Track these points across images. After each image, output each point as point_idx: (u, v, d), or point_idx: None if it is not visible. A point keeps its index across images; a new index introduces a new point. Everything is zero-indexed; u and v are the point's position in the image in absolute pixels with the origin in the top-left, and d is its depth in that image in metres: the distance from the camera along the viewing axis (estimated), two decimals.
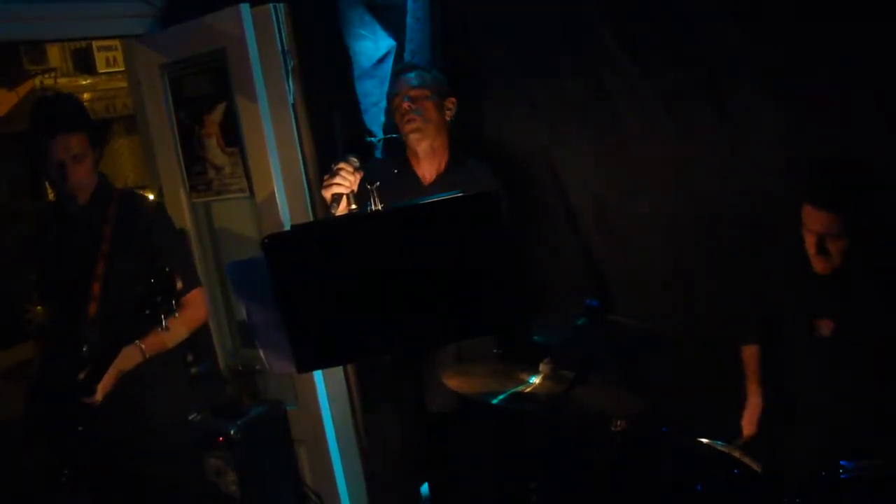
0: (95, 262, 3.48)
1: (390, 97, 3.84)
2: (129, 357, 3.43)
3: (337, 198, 3.37)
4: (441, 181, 3.68)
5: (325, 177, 3.45)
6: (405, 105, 3.65)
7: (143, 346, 3.46)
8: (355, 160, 3.46)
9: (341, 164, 3.42)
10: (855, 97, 3.10)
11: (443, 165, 3.74)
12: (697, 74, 3.43)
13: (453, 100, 3.77)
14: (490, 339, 3.67)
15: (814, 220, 2.94)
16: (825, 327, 3.07)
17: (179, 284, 3.21)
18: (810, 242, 2.99)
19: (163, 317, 3.21)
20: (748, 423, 3.34)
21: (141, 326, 3.32)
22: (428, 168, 3.73)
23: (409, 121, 3.64)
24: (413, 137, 3.66)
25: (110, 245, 3.51)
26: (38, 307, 3.71)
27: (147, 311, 3.18)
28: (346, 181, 3.39)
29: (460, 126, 3.94)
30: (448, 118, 3.76)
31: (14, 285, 4.05)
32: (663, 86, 3.52)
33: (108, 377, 3.35)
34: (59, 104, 3.67)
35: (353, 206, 3.31)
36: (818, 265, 3.01)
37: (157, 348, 3.52)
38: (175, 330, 3.55)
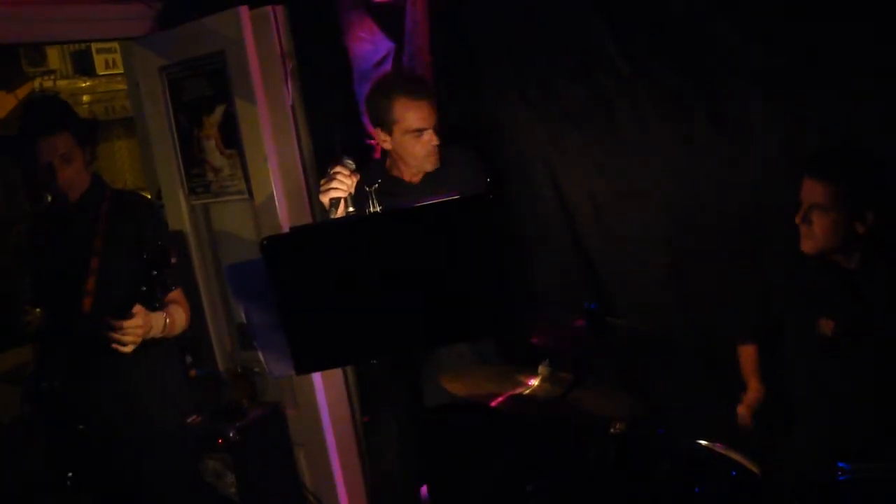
0: (89, 257, 3.49)
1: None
2: (157, 321, 3.43)
3: (335, 202, 3.37)
4: (428, 179, 3.65)
5: (322, 181, 3.45)
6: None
7: (167, 320, 3.47)
8: (351, 163, 3.45)
9: (338, 168, 3.41)
10: (854, 100, 3.11)
11: (430, 165, 3.69)
12: (694, 78, 3.44)
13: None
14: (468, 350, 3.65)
15: (806, 190, 2.95)
16: (826, 327, 3.07)
17: (174, 260, 3.22)
18: (799, 214, 2.99)
19: (159, 293, 3.23)
20: (744, 408, 3.31)
21: (139, 302, 3.32)
22: (409, 172, 3.69)
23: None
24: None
25: (104, 241, 3.53)
26: (37, 309, 3.72)
27: (143, 288, 3.19)
28: (343, 184, 3.39)
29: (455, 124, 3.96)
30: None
31: (11, 288, 4.05)
32: (660, 89, 3.52)
33: (146, 319, 3.35)
34: (43, 106, 3.71)
35: (351, 209, 3.31)
36: (803, 241, 3.01)
37: (172, 329, 3.53)
38: (180, 316, 3.58)
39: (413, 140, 3.53)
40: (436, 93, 3.57)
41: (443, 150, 3.66)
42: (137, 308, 3.30)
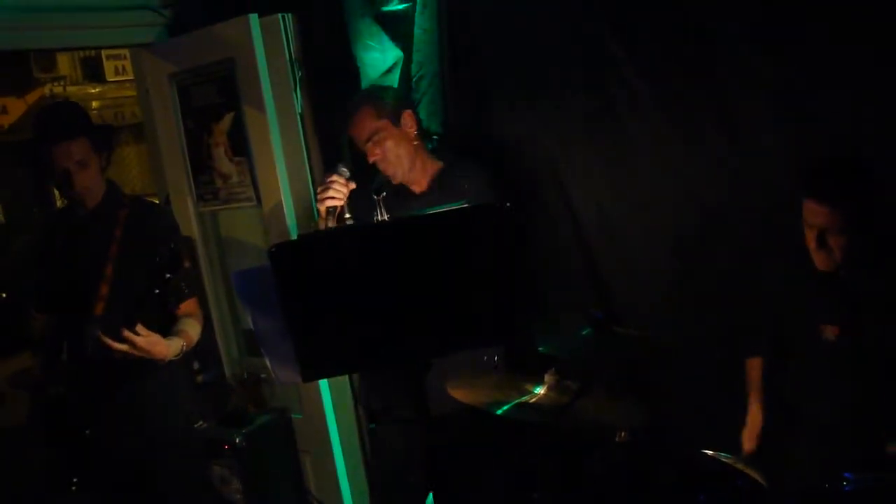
0: (104, 264, 3.51)
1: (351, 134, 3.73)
2: (173, 348, 3.44)
3: (332, 210, 3.39)
4: (434, 188, 3.66)
5: (319, 189, 3.47)
6: (370, 157, 3.60)
7: (184, 345, 3.48)
8: (346, 171, 3.48)
9: (333, 177, 3.43)
10: (861, 110, 3.11)
11: (433, 173, 3.71)
12: (703, 87, 3.44)
13: (409, 113, 3.66)
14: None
15: (815, 215, 2.94)
16: (830, 332, 3.07)
17: (187, 263, 3.24)
18: (811, 237, 2.98)
19: (172, 297, 3.25)
20: (748, 439, 3.32)
21: (151, 307, 3.33)
22: (416, 181, 3.71)
23: (383, 169, 3.60)
24: (392, 177, 3.64)
25: (119, 247, 3.53)
26: (42, 313, 3.74)
27: (157, 291, 3.20)
28: (339, 193, 3.41)
29: (464, 133, 3.98)
30: (413, 132, 3.65)
31: (19, 293, 4.07)
32: (669, 98, 3.52)
33: (150, 341, 3.34)
34: (58, 112, 3.72)
35: (347, 216, 3.32)
36: (819, 260, 3.00)
37: (189, 347, 3.55)
38: (194, 328, 3.60)
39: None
40: (376, 104, 3.63)
41: (450, 161, 3.69)
42: (146, 332, 3.31)
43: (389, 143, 3.57)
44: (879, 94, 3.07)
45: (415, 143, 3.64)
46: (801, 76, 3.21)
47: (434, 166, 3.72)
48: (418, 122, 3.72)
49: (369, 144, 3.57)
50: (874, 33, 3.04)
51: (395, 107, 3.64)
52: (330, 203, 3.39)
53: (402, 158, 3.59)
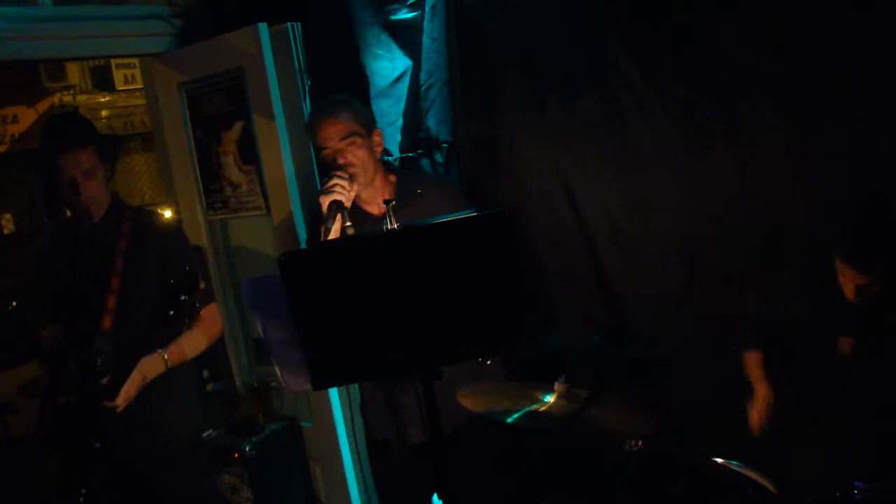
0: (110, 276, 3.51)
1: (315, 138, 3.64)
2: (152, 364, 3.47)
3: (332, 209, 3.38)
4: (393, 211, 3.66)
5: (324, 186, 3.47)
6: (340, 158, 3.54)
7: (165, 356, 3.50)
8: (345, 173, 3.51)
9: (336, 178, 3.44)
10: (868, 117, 3.11)
11: (388, 194, 3.68)
12: (710, 94, 3.44)
13: (379, 132, 3.69)
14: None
15: (846, 275, 3.00)
16: (846, 345, 3.07)
17: (202, 285, 3.25)
18: (849, 289, 3.02)
19: (186, 318, 3.26)
20: (755, 414, 3.32)
21: (164, 327, 3.35)
22: (372, 199, 3.70)
23: (349, 174, 3.55)
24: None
25: (125, 260, 3.54)
26: (51, 324, 3.74)
27: (171, 312, 3.21)
28: (344, 189, 3.41)
29: (474, 143, 3.98)
30: (379, 151, 3.67)
31: (28, 303, 4.08)
32: (677, 105, 3.52)
33: (131, 383, 3.38)
34: (65, 121, 3.73)
35: (348, 224, 3.32)
36: (848, 295, 3.03)
37: (179, 358, 3.56)
38: (195, 340, 3.60)
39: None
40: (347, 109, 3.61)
41: (404, 179, 3.74)
42: (128, 386, 3.39)
43: (362, 151, 3.56)
44: (887, 99, 3.07)
45: (378, 161, 3.66)
46: (810, 80, 3.21)
47: (390, 185, 3.71)
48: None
49: (344, 143, 3.54)
50: (878, 36, 3.05)
51: (370, 121, 3.67)
52: (336, 196, 3.40)
53: (367, 168, 3.58)
